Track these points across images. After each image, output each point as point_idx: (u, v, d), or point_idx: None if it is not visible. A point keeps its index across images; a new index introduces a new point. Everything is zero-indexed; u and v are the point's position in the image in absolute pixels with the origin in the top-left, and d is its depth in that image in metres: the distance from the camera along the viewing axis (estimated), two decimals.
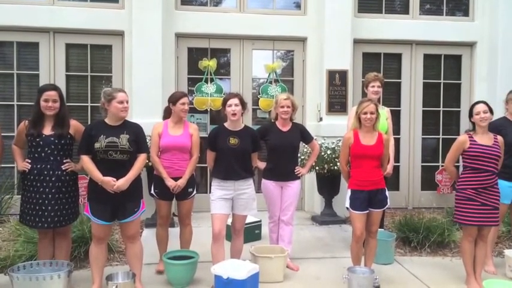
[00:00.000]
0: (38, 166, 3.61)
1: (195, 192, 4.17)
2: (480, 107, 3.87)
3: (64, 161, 3.68)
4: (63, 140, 3.66)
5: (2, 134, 3.96)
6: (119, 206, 3.54)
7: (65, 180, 3.66)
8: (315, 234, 5.51)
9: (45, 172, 3.59)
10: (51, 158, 3.62)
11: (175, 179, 3.99)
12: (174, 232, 4.42)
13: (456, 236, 4.92)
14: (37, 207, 3.58)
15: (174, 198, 4.11)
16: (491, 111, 3.87)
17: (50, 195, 3.59)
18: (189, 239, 4.25)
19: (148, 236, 5.02)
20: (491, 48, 6.81)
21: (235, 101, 3.84)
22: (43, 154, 3.62)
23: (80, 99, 6.39)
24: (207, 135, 4.49)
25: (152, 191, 4.12)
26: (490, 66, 6.84)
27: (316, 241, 5.25)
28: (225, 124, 3.97)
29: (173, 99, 4.07)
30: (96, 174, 3.45)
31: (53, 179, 3.60)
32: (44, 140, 3.61)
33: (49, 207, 3.58)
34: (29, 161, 3.65)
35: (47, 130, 3.65)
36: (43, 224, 3.59)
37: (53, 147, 3.62)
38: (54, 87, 3.72)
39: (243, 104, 3.91)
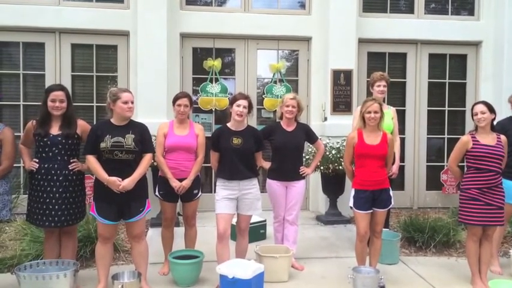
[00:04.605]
0: (46, 166, 3.63)
1: (200, 193, 4.17)
2: (477, 108, 3.87)
3: (71, 160, 3.70)
4: (70, 140, 3.68)
5: None
6: (125, 205, 3.56)
7: (72, 180, 3.68)
8: (320, 234, 5.51)
9: (53, 172, 3.62)
10: (59, 158, 3.64)
11: (181, 179, 3.97)
12: (179, 232, 4.44)
13: (462, 236, 4.91)
14: (44, 207, 3.61)
15: (179, 200, 4.11)
16: (491, 110, 3.85)
17: (57, 195, 3.61)
18: (194, 239, 4.26)
19: (154, 235, 5.04)
20: (497, 47, 6.78)
21: (244, 103, 3.86)
22: (50, 154, 3.64)
23: (85, 99, 6.42)
24: (211, 135, 4.49)
25: (157, 193, 4.11)
26: (496, 66, 6.81)
27: (321, 241, 5.25)
28: (228, 124, 3.98)
29: (172, 100, 4.12)
30: (102, 174, 3.46)
31: (60, 178, 3.63)
32: (52, 140, 3.63)
33: (56, 207, 3.60)
34: (37, 160, 3.67)
35: (54, 130, 3.67)
36: (50, 223, 3.62)
37: (60, 147, 3.64)
38: (61, 88, 3.75)
39: (250, 107, 3.94)
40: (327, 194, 6.13)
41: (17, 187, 5.90)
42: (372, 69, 6.30)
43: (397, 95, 6.94)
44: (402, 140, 6.56)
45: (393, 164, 4.43)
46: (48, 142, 3.63)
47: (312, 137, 4.50)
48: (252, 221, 4.39)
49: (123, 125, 3.61)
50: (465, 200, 3.87)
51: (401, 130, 6.66)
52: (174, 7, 6.34)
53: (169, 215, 4.13)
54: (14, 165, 3.90)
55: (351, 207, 3.94)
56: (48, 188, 3.61)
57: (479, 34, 6.90)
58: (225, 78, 6.70)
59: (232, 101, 3.93)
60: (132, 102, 3.62)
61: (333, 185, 5.95)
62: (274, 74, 6.75)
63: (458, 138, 4.02)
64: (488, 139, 3.84)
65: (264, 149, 4.23)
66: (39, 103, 3.79)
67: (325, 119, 6.43)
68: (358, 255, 3.99)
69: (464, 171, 4.01)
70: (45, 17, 6.15)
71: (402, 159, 6.67)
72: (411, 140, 6.97)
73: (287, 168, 4.30)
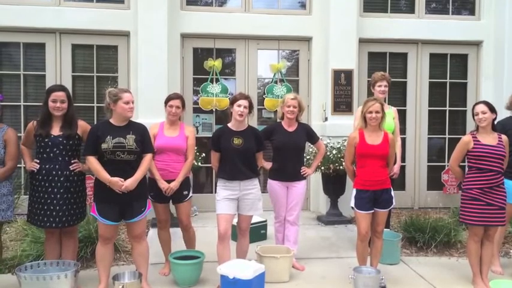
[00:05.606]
0: (47, 166, 3.63)
1: (191, 194, 4.15)
2: (478, 108, 3.87)
3: (72, 161, 3.70)
4: (71, 141, 3.69)
5: None
6: (126, 206, 3.56)
7: (73, 181, 3.68)
8: (321, 234, 5.51)
9: (54, 172, 3.62)
10: (60, 159, 3.65)
11: (169, 181, 3.95)
12: (179, 232, 4.43)
13: (463, 236, 4.91)
14: (45, 207, 3.61)
15: (172, 202, 4.09)
16: (492, 110, 3.84)
17: (58, 195, 3.61)
18: (193, 241, 4.26)
19: (154, 235, 5.02)
20: (498, 47, 6.77)
21: (245, 103, 3.85)
22: (51, 154, 3.64)
23: (86, 99, 6.42)
24: (212, 135, 4.48)
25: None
26: (497, 65, 6.80)
27: (321, 241, 5.25)
28: (229, 124, 3.97)
29: (165, 101, 4.09)
30: (104, 175, 3.46)
31: (61, 179, 3.63)
32: (52, 141, 3.64)
33: (57, 207, 3.61)
34: (38, 161, 3.67)
35: (55, 130, 3.67)
36: (51, 223, 3.62)
37: (61, 147, 3.65)
38: (62, 88, 3.75)
39: (251, 107, 3.94)
40: (328, 194, 6.12)
41: (18, 188, 5.90)
42: (373, 69, 6.30)
43: (397, 95, 6.94)
44: (403, 140, 6.56)
45: (394, 164, 4.43)
46: (49, 143, 3.63)
47: (313, 137, 4.50)
48: (253, 221, 4.39)
49: (123, 126, 3.60)
50: (466, 200, 3.86)
51: (402, 130, 6.66)
52: (175, 7, 6.33)
53: (162, 216, 4.12)
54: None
55: (352, 208, 3.93)
56: (49, 189, 3.61)
57: (480, 34, 6.89)
58: (225, 79, 6.70)
59: (233, 101, 3.92)
60: (133, 102, 3.62)
61: (333, 185, 5.94)
62: (274, 74, 6.74)
63: (459, 138, 4.02)
64: (490, 139, 3.84)
65: (265, 149, 4.23)
66: (40, 104, 3.78)
67: (326, 119, 6.42)
68: (359, 256, 3.99)
69: (465, 171, 4.00)
70: (46, 18, 6.15)
71: (403, 159, 6.67)
72: (412, 140, 6.96)
73: (288, 169, 4.30)
